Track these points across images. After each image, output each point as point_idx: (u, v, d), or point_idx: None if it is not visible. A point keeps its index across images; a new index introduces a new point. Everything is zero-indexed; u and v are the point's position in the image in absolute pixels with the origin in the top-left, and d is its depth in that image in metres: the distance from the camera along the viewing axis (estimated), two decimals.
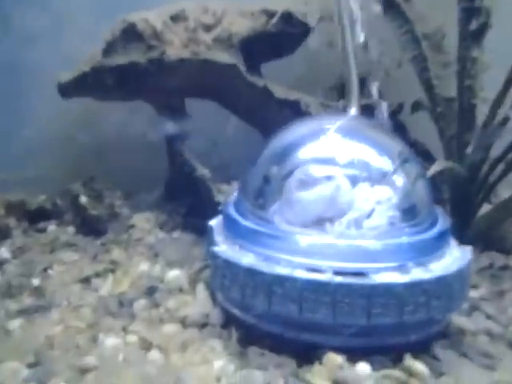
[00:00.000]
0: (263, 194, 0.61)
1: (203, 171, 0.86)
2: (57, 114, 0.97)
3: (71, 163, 0.99)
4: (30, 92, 0.96)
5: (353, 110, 0.64)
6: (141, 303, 0.66)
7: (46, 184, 0.95)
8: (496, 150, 0.79)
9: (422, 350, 0.55)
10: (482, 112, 0.77)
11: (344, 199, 0.58)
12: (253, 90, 0.87)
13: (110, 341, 0.58)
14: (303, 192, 0.58)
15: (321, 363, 0.52)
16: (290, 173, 0.60)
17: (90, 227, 0.88)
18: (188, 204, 0.89)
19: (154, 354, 0.55)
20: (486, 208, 0.85)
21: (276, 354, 0.54)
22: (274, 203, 0.60)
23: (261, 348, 0.55)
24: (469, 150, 0.80)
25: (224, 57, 0.85)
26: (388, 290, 0.52)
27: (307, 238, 0.56)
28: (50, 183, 0.95)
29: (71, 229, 0.90)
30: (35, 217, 0.91)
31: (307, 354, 0.53)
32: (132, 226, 0.88)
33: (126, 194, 0.93)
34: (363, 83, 0.81)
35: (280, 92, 0.88)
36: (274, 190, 0.61)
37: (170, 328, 0.61)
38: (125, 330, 0.61)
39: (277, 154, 0.62)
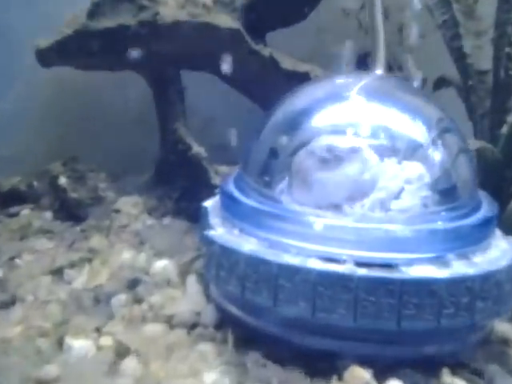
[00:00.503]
0: (269, 169, 0.51)
1: (199, 149, 0.75)
2: (35, 85, 0.86)
3: (51, 141, 0.88)
4: (4, 60, 0.86)
5: (379, 70, 0.53)
6: (120, 298, 0.56)
7: (23, 164, 0.85)
8: None
9: (459, 363, 0.45)
10: None
11: (367, 176, 0.47)
12: (257, 60, 0.77)
13: (79, 345, 0.48)
14: (326, 172, 0.47)
15: (340, 379, 0.41)
16: (302, 145, 0.50)
17: (70, 212, 0.78)
18: (181, 187, 0.79)
19: (131, 362, 0.45)
20: None
21: (281, 364, 0.44)
22: (283, 180, 0.50)
23: (263, 356, 0.45)
24: (504, 129, 0.70)
25: (225, 21, 0.75)
26: (424, 286, 0.42)
27: (323, 220, 0.45)
28: (27, 163, 0.85)
29: (48, 214, 0.80)
30: (7, 200, 0.81)
31: (321, 366, 0.43)
32: (117, 211, 0.78)
33: (113, 176, 0.83)
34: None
35: (287, 63, 0.78)
36: (282, 165, 0.50)
37: (153, 329, 0.51)
38: (98, 331, 0.51)
39: (286, 122, 0.52)
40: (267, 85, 0.79)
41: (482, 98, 0.72)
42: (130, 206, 0.79)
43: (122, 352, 0.47)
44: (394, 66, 0.78)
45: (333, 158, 0.48)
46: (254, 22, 0.80)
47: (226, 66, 0.72)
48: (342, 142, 0.48)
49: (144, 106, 0.85)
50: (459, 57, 0.72)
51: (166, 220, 0.76)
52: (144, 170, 0.85)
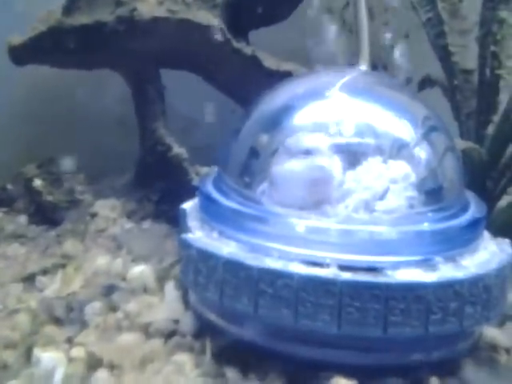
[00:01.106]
0: (250, 169, 0.49)
1: (179, 150, 0.73)
2: (8, 83, 0.83)
3: (26, 142, 0.85)
4: None
5: (363, 66, 0.51)
6: (95, 306, 0.53)
7: None
8: None
9: (448, 371, 0.43)
10: (509, 84, 0.66)
11: (334, 180, 0.45)
12: (239, 59, 0.75)
13: (48, 357, 0.45)
14: (278, 166, 0.45)
15: None
16: (283, 144, 0.48)
17: (45, 216, 0.75)
18: (161, 189, 0.76)
19: (102, 375, 0.42)
20: (505, 200, 0.74)
21: (263, 374, 0.41)
22: (264, 181, 0.48)
23: (244, 366, 0.42)
24: (490, 129, 0.69)
25: (206, 17, 0.73)
26: (410, 291, 0.40)
27: (305, 222, 0.43)
28: (1, 165, 0.81)
29: (23, 218, 0.77)
30: None
31: (305, 376, 0.41)
32: (94, 215, 0.75)
33: (90, 178, 0.80)
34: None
35: (270, 62, 0.76)
36: (263, 165, 0.48)
37: (129, 338, 0.48)
38: (70, 341, 0.48)
39: (267, 120, 0.50)
40: (249, 84, 0.77)
41: (468, 97, 0.71)
42: (107, 209, 0.76)
43: (93, 364, 0.44)
44: (378, 65, 0.77)
45: (287, 157, 0.46)
46: (235, 19, 0.78)
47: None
48: (303, 141, 0.46)
49: (123, 106, 0.82)
50: (444, 55, 0.70)
51: (146, 224, 0.74)
52: (123, 171, 0.82)
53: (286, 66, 0.76)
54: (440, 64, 0.72)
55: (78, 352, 0.46)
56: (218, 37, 0.68)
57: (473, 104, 0.70)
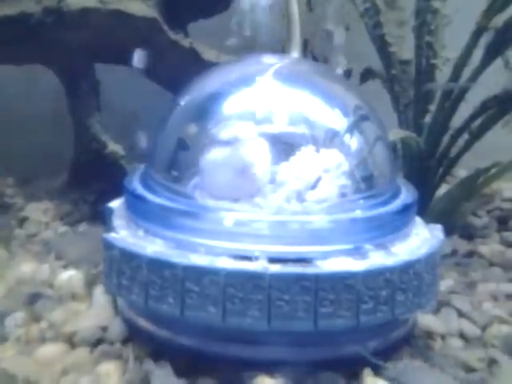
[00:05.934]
0: (179, 162, 0.46)
1: (115, 147, 0.69)
2: None
3: None
4: None
5: (294, 53, 0.50)
6: (16, 318, 0.49)
7: None
8: (458, 120, 0.69)
9: (383, 361, 0.42)
10: (443, 74, 0.67)
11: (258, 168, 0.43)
12: (176, 51, 0.73)
13: None
14: (204, 157, 0.44)
15: None
16: (214, 134, 0.45)
17: None
18: (98, 190, 0.72)
19: None
20: (444, 188, 0.75)
21: (192, 378, 0.39)
22: (195, 174, 0.45)
23: (172, 372, 0.40)
24: (427, 118, 0.70)
25: (140, 8, 0.70)
26: (339, 281, 0.39)
27: (234, 215, 0.41)
28: None
29: None
30: None
31: (236, 377, 0.39)
32: (25, 219, 0.70)
33: (22, 181, 0.76)
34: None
35: (210, 54, 0.74)
36: (192, 157, 0.46)
37: (51, 350, 0.45)
38: None
39: (195, 109, 0.48)
40: (189, 77, 0.74)
41: (406, 88, 0.71)
42: (39, 212, 0.71)
43: (6, 382, 0.40)
44: (319, 58, 0.76)
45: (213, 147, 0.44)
46: (173, 10, 0.75)
47: (139, 61, 0.66)
48: (226, 130, 0.44)
49: (55, 103, 0.78)
50: (382, 46, 0.70)
51: (81, 226, 0.70)
52: (57, 172, 0.77)
53: (225, 59, 0.74)
54: (378, 54, 0.72)
55: None
56: None
57: (411, 94, 0.71)
